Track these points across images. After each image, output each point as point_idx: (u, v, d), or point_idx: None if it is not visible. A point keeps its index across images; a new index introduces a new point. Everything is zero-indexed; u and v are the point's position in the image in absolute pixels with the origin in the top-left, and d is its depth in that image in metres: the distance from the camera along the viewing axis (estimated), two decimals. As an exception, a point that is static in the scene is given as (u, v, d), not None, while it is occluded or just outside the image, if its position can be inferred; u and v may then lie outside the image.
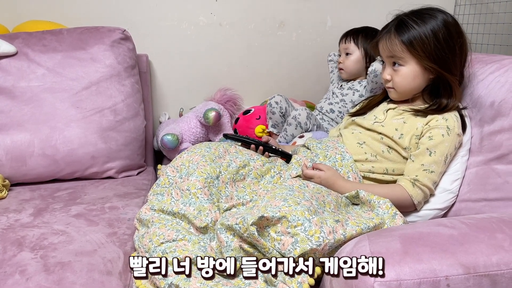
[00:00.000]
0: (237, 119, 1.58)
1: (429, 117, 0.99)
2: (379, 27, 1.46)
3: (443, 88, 1.01)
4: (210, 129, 1.53)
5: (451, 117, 0.98)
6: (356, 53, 1.43)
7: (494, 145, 0.93)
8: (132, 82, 1.38)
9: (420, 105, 1.05)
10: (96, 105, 1.29)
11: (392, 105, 1.08)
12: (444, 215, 1.00)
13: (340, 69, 1.47)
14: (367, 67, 1.40)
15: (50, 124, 1.24)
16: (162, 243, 0.82)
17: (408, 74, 1.01)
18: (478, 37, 1.68)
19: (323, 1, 1.68)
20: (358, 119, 1.11)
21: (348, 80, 1.48)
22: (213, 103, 1.51)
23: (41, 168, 1.24)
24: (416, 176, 0.95)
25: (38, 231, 0.95)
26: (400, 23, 1.01)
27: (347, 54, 1.44)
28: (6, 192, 1.17)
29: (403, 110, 1.05)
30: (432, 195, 0.98)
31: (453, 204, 0.99)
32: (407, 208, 0.96)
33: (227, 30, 1.66)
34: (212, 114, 1.43)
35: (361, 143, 1.04)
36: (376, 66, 1.28)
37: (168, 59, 1.64)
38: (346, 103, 1.43)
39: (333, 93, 1.49)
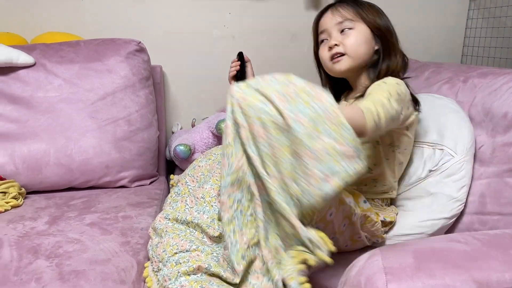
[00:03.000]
0: (249, 130, 1.59)
1: None
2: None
3: (386, 61, 1.01)
4: (222, 140, 1.55)
5: (390, 79, 0.94)
6: None
7: (507, 156, 0.93)
8: (146, 93, 1.40)
9: (366, 84, 1.00)
10: (111, 116, 1.31)
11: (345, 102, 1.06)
12: (453, 226, 1.00)
13: None
14: None
15: (66, 134, 1.27)
16: (176, 253, 0.83)
17: (360, 35, 1.00)
18: (490, 51, 1.68)
19: (335, 14, 1.69)
20: None
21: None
22: (225, 114, 1.53)
23: (56, 176, 1.26)
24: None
25: (53, 239, 0.96)
26: None
27: None
28: (22, 200, 1.19)
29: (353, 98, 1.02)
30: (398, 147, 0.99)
31: (462, 213, 0.99)
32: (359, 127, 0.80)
33: (239, 42, 1.68)
34: (224, 125, 1.44)
35: None
36: None
37: (181, 70, 1.66)
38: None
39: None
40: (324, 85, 1.14)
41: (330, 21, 1.03)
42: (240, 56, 1.16)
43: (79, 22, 1.53)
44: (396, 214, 1.03)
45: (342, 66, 1.01)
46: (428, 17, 1.77)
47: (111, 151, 1.30)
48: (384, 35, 1.01)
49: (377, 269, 0.58)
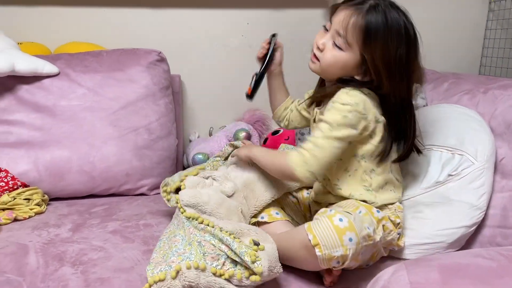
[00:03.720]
0: (266, 139, 1.61)
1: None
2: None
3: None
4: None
5: (342, 92, 0.91)
6: None
7: (530, 170, 0.92)
8: (166, 102, 1.43)
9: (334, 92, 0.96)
10: (132, 124, 1.34)
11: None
12: (474, 238, 0.99)
13: None
14: None
15: (88, 142, 1.29)
16: (176, 245, 0.87)
17: (341, 61, 0.92)
18: (509, 62, 1.68)
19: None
20: None
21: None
22: (243, 124, 1.54)
23: (78, 184, 1.28)
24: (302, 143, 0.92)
25: (77, 246, 0.98)
26: (374, 9, 0.89)
27: None
28: (45, 207, 1.21)
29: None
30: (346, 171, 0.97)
31: (483, 226, 0.98)
32: (288, 176, 0.94)
33: (256, 52, 1.69)
34: (242, 135, 1.46)
35: None
36: (418, 101, 1.30)
37: (199, 79, 1.68)
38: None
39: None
40: None
41: (337, 20, 0.92)
42: (272, 38, 1.13)
43: (101, 33, 1.56)
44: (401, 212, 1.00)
45: (311, 67, 0.98)
46: (446, 27, 1.77)
47: (132, 159, 1.32)
48: (378, 74, 0.90)
49: (404, 284, 0.58)
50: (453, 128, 1.07)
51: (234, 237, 0.86)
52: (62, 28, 1.54)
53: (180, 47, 1.63)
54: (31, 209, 1.16)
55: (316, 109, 1.03)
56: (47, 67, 1.30)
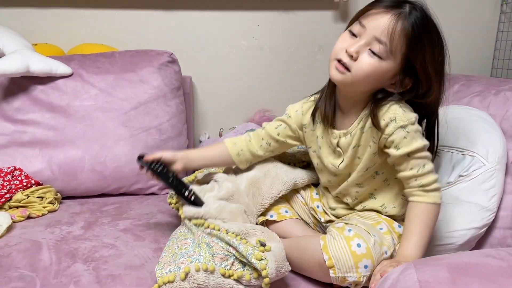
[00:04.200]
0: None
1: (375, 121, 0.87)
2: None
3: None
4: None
5: (397, 109, 0.85)
6: None
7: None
8: (177, 103, 1.44)
9: (358, 114, 0.92)
10: (143, 124, 1.35)
11: (333, 132, 0.95)
12: (485, 240, 0.99)
13: None
14: None
15: (100, 142, 1.31)
16: (186, 247, 0.87)
17: (378, 70, 0.83)
18: (521, 63, 1.66)
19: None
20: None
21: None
22: (252, 125, 1.55)
23: (90, 183, 1.30)
24: (417, 181, 0.85)
25: (89, 243, 1.00)
26: (415, 11, 0.83)
27: None
28: (58, 205, 1.23)
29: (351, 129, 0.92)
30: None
31: (494, 227, 0.97)
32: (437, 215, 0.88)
33: (267, 53, 1.71)
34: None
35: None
36: None
37: (209, 80, 1.70)
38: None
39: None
40: None
41: (375, 25, 0.82)
42: (140, 159, 0.99)
43: (113, 34, 1.59)
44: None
45: (339, 78, 0.86)
46: (458, 29, 1.76)
47: (142, 159, 1.34)
48: (429, 80, 0.85)
49: (412, 283, 0.59)
50: (464, 129, 1.07)
51: (241, 238, 0.86)
52: (75, 30, 1.57)
53: (191, 49, 1.65)
54: (44, 207, 1.18)
55: (338, 132, 0.95)
56: (61, 68, 1.33)
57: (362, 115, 0.92)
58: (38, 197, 1.20)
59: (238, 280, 0.83)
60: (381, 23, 0.82)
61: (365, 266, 0.80)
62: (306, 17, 1.68)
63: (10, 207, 1.16)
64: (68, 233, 1.05)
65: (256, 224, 1.00)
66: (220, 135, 1.69)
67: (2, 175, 1.19)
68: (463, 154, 1.04)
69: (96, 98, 1.34)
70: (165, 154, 1.01)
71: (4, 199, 1.15)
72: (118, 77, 1.37)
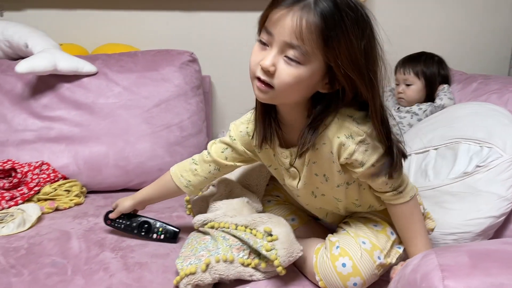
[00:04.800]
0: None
1: (326, 139, 0.78)
2: (437, 51, 1.49)
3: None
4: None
5: (348, 123, 0.76)
6: (417, 84, 1.44)
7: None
8: (197, 101, 1.48)
9: (301, 123, 0.80)
10: (164, 122, 1.39)
11: (283, 152, 0.85)
12: (504, 229, 0.99)
13: (400, 98, 1.48)
14: (428, 94, 1.42)
15: (123, 138, 1.35)
16: (205, 243, 0.91)
17: (303, 79, 0.72)
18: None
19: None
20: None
21: (405, 105, 1.49)
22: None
23: (114, 177, 1.34)
24: (388, 185, 0.82)
25: (116, 234, 1.03)
26: (335, 5, 0.68)
27: (407, 85, 1.46)
28: (84, 199, 1.28)
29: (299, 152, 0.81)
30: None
31: (510, 217, 0.98)
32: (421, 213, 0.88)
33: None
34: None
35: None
36: (445, 101, 1.31)
37: (228, 80, 1.73)
38: (404, 126, 1.45)
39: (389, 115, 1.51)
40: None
41: (281, 29, 0.70)
42: (107, 218, 1.04)
43: (136, 34, 1.63)
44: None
45: (265, 97, 0.76)
46: (475, 30, 1.77)
47: (164, 155, 1.38)
48: (349, 79, 0.71)
49: (433, 267, 0.61)
50: (482, 122, 1.09)
51: (250, 229, 0.89)
52: (99, 30, 1.62)
53: (210, 49, 1.68)
54: (70, 200, 1.22)
55: (287, 150, 0.85)
56: (86, 67, 1.37)
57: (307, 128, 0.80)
58: (65, 191, 1.24)
59: (256, 268, 0.85)
60: (286, 24, 0.69)
61: (354, 284, 0.83)
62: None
63: (39, 200, 1.21)
64: (95, 224, 1.09)
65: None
66: (238, 133, 1.72)
67: (31, 169, 1.24)
68: (480, 146, 1.05)
69: (120, 96, 1.39)
70: (124, 207, 1.02)
71: (33, 192, 1.20)
72: (141, 76, 1.41)
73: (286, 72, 0.71)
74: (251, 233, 0.88)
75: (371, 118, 0.76)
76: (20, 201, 1.16)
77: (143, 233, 1.02)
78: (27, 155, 1.30)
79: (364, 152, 0.77)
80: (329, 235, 0.91)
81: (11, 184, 1.20)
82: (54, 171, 1.28)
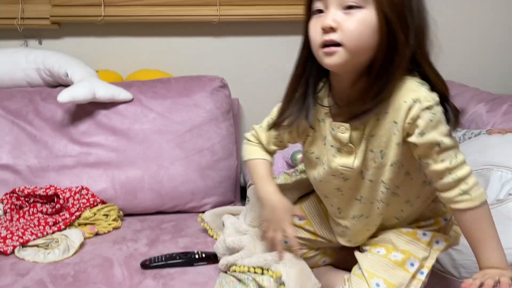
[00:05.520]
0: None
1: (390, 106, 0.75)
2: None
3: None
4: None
5: (417, 86, 0.74)
6: None
7: None
8: (228, 125, 1.52)
9: (360, 94, 0.76)
10: (197, 146, 1.44)
11: (342, 126, 0.80)
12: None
13: None
14: None
15: (157, 163, 1.40)
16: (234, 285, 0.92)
17: (368, 21, 0.71)
18: None
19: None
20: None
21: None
22: (299, 145, 1.60)
23: (148, 201, 1.39)
24: (452, 175, 0.75)
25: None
26: None
27: None
28: (121, 222, 1.32)
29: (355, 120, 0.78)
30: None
31: None
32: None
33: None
34: (299, 156, 1.52)
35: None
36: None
37: (255, 102, 1.76)
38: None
39: None
40: (301, 68, 0.84)
41: None
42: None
43: (167, 60, 1.69)
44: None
45: (335, 60, 0.73)
46: (503, 50, 1.77)
47: (196, 179, 1.42)
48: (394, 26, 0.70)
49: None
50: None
51: (263, 270, 0.89)
52: (132, 57, 1.68)
53: (238, 72, 1.73)
54: (109, 224, 1.27)
55: (346, 124, 0.80)
56: (122, 94, 1.43)
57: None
58: (104, 215, 1.29)
59: None
60: None
61: None
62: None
63: (79, 224, 1.26)
64: (135, 250, 1.14)
65: None
66: (266, 154, 1.75)
67: (72, 194, 1.29)
68: None
69: (154, 122, 1.44)
70: (290, 203, 0.93)
71: (74, 217, 1.25)
72: (174, 102, 1.46)
73: (351, 21, 0.71)
74: (267, 274, 0.88)
75: (424, 67, 0.74)
76: (62, 226, 1.21)
77: (184, 257, 1.05)
78: (67, 180, 1.36)
79: (428, 121, 0.73)
80: (345, 276, 0.89)
81: (53, 209, 1.26)
82: (93, 195, 1.33)
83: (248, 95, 1.75)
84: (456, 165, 0.75)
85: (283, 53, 1.74)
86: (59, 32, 1.64)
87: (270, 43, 1.72)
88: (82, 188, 1.33)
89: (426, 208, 0.90)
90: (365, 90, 0.75)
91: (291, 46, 1.75)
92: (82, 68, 1.46)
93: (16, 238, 1.12)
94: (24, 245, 1.12)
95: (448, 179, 0.76)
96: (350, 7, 0.71)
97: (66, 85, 1.45)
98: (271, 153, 0.98)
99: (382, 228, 0.91)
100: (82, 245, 1.15)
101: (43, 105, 1.44)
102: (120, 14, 1.58)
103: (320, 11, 0.74)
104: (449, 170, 0.75)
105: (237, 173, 1.62)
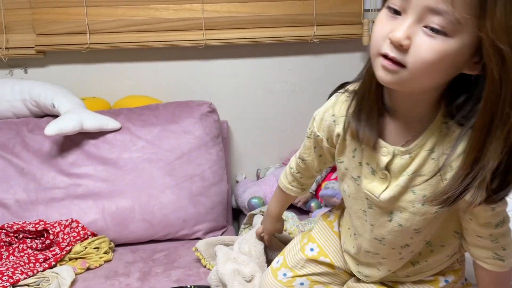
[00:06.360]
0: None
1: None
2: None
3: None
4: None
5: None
6: None
7: None
8: (217, 150, 1.52)
9: (425, 118, 0.65)
10: (187, 173, 1.43)
11: (385, 147, 0.68)
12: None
13: None
14: None
15: (148, 192, 1.39)
16: None
17: (451, 52, 0.56)
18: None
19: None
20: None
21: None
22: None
23: (140, 231, 1.38)
24: (492, 236, 0.68)
25: (148, 297, 1.07)
26: None
27: None
28: (112, 254, 1.31)
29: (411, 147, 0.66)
30: None
31: None
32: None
33: (299, 96, 1.78)
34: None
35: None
36: None
37: (244, 123, 1.78)
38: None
39: None
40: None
41: None
42: None
43: (155, 85, 1.69)
44: None
45: (389, 80, 0.60)
46: None
47: (187, 206, 1.41)
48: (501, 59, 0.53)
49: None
50: None
51: None
52: (119, 83, 1.67)
53: (227, 94, 1.73)
54: (100, 258, 1.26)
55: (391, 147, 0.68)
56: (111, 123, 1.42)
57: (432, 127, 0.64)
58: (95, 248, 1.28)
59: None
60: None
61: None
62: (335, 60, 1.75)
63: (70, 259, 1.24)
64: (127, 285, 1.13)
65: None
66: (258, 176, 1.76)
67: (61, 228, 1.28)
68: None
69: (143, 150, 1.43)
70: (276, 227, 1.10)
71: (65, 252, 1.24)
72: (163, 129, 1.46)
73: (427, 47, 0.55)
74: None
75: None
76: (53, 263, 1.20)
77: None
78: (56, 213, 1.35)
79: None
80: None
81: (43, 244, 1.24)
82: (83, 228, 1.32)
83: (237, 117, 1.75)
84: (502, 231, 0.67)
85: (269, 74, 1.75)
86: (45, 60, 1.62)
87: (257, 65, 1.73)
88: (72, 221, 1.32)
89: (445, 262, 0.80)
90: (426, 115, 0.63)
91: (279, 66, 1.78)
92: (69, 98, 1.45)
93: (6, 278, 1.10)
94: (14, 285, 1.11)
95: (487, 241, 0.68)
96: (433, 30, 0.55)
97: (53, 115, 1.44)
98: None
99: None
100: (73, 282, 1.14)
101: (30, 136, 1.42)
102: (105, 41, 1.57)
103: (396, 12, 0.58)
104: (491, 234, 0.68)
105: (228, 197, 1.62)
